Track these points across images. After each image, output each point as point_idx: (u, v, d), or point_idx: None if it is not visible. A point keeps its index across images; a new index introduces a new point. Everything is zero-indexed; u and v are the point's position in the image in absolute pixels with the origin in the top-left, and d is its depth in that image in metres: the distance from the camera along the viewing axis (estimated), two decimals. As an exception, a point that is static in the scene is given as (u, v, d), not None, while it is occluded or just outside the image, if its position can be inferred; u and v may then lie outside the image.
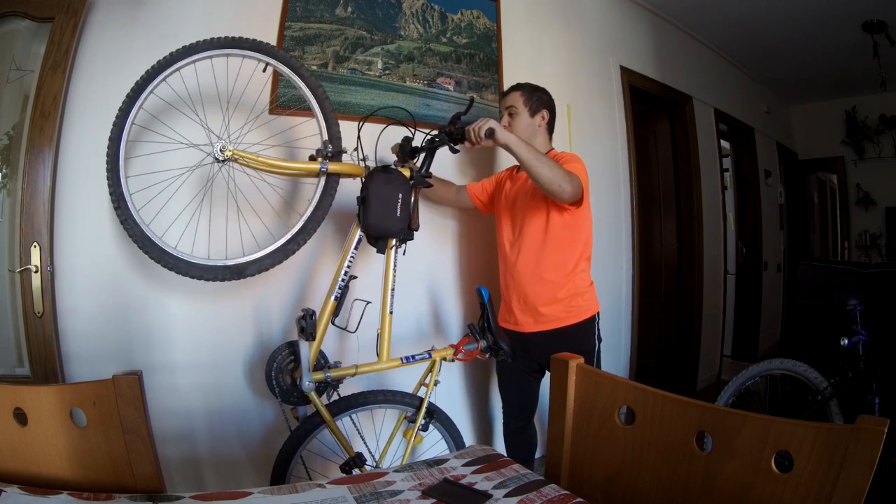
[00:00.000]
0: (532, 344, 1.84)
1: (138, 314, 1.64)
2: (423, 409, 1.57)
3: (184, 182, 1.50)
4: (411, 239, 1.58)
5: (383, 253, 1.57)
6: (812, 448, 0.68)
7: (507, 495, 0.78)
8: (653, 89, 3.33)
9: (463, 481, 0.83)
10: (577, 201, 1.66)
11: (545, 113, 1.89)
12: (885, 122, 4.95)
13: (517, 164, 1.78)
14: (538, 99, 1.88)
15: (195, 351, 1.70)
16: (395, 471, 0.87)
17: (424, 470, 0.88)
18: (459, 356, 1.65)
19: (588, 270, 1.86)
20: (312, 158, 1.50)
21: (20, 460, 0.83)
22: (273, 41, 1.85)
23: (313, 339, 1.42)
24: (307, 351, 1.43)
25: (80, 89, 1.61)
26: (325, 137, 1.48)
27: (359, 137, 1.52)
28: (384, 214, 1.48)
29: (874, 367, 2.00)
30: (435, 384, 1.61)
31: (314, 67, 1.92)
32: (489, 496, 0.78)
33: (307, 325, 1.40)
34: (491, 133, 1.48)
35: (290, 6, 1.89)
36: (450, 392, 2.18)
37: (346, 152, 1.51)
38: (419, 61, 2.20)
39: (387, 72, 2.10)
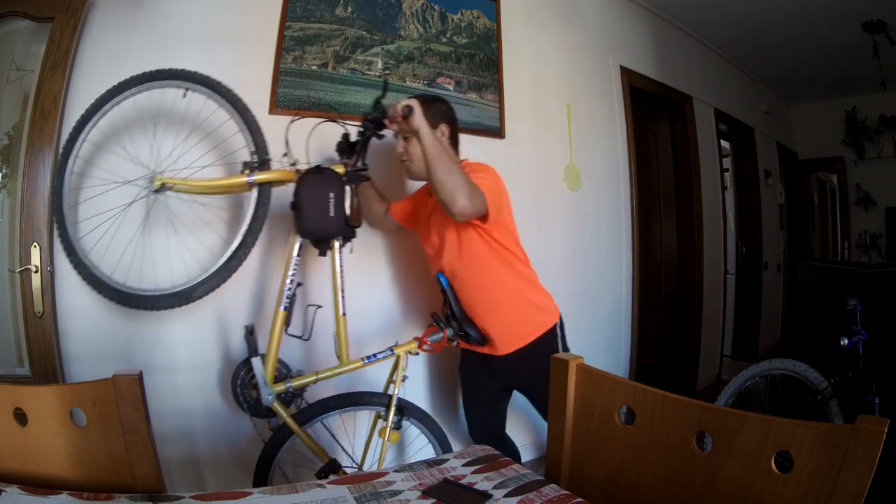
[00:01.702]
0: (493, 367, 1.76)
1: (138, 314, 1.64)
2: (393, 407, 1.54)
3: (124, 218, 1.52)
4: (353, 236, 1.54)
5: (325, 255, 1.54)
6: (812, 448, 0.68)
7: (507, 495, 0.78)
8: (653, 89, 3.34)
9: (463, 481, 0.83)
10: (480, 218, 1.49)
11: (444, 127, 1.64)
12: (885, 122, 4.95)
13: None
14: (434, 112, 1.60)
15: (195, 351, 1.70)
16: (395, 471, 0.87)
17: (424, 470, 0.88)
18: (425, 348, 1.62)
19: (532, 279, 1.71)
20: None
21: (20, 460, 0.83)
22: (273, 41, 1.85)
23: (257, 354, 1.42)
24: (259, 366, 1.44)
25: (80, 89, 1.61)
26: (252, 148, 1.47)
27: (286, 141, 1.47)
28: (317, 216, 1.45)
29: (874, 367, 2.00)
30: (403, 380, 1.58)
31: (314, 67, 1.93)
32: (489, 496, 0.78)
33: (249, 342, 1.42)
34: (409, 111, 1.39)
35: (290, 6, 1.89)
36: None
37: (271, 160, 1.47)
38: (419, 61, 2.20)
39: (387, 72, 2.10)
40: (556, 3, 2.75)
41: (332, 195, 1.45)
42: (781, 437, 0.70)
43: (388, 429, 1.54)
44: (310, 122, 1.59)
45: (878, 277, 2.31)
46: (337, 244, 1.53)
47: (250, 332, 1.43)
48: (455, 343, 1.68)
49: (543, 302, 1.71)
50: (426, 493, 0.78)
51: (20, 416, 0.83)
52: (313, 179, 1.46)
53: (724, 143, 4.27)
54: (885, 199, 5.12)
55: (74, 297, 1.59)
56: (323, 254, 1.54)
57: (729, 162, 4.46)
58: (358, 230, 1.57)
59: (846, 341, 2.06)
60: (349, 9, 2.04)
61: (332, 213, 1.45)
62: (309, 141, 1.52)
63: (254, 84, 1.81)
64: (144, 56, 1.68)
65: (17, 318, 1.61)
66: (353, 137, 1.57)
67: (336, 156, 1.62)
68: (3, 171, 1.71)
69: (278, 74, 1.84)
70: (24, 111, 1.65)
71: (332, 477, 1.44)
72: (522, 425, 2.33)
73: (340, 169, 1.52)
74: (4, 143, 1.71)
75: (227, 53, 1.77)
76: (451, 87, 2.27)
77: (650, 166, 3.72)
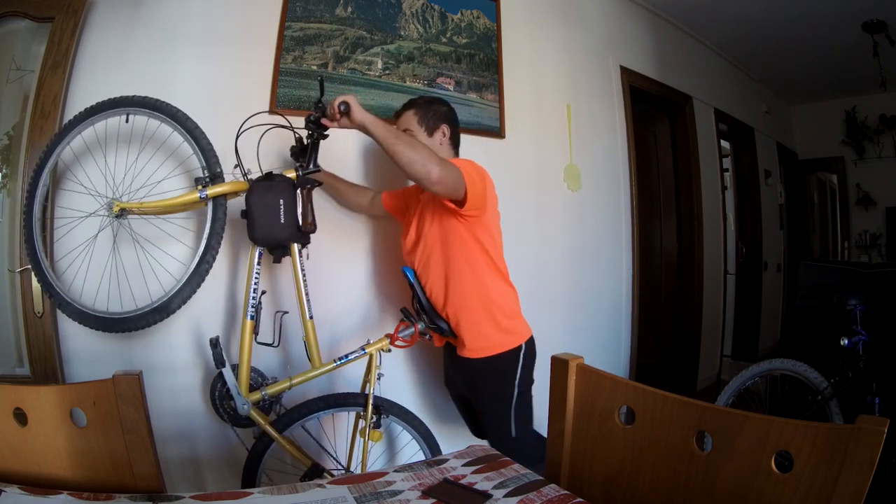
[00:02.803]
0: (450, 384, 1.77)
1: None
2: (370, 406, 1.53)
3: (94, 248, 1.54)
4: (307, 242, 1.54)
5: (279, 262, 1.55)
6: (812, 448, 0.68)
7: (507, 495, 0.78)
8: (653, 89, 3.34)
9: (463, 481, 0.83)
10: (460, 197, 1.45)
11: (445, 128, 1.66)
12: (885, 122, 4.95)
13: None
14: (434, 114, 1.66)
15: (195, 351, 1.70)
16: (395, 471, 0.87)
17: (424, 470, 0.88)
18: (398, 343, 1.60)
19: (504, 294, 1.66)
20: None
21: (20, 460, 0.83)
22: (273, 41, 1.85)
23: (223, 366, 1.43)
24: (231, 376, 1.44)
25: (80, 89, 1.61)
26: (202, 163, 1.45)
27: (236, 150, 1.44)
28: (267, 223, 1.44)
29: (874, 367, 2.01)
30: (378, 378, 1.56)
31: (314, 67, 1.93)
32: (489, 496, 0.78)
33: (214, 354, 1.42)
34: (346, 108, 1.34)
35: (290, 6, 1.89)
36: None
37: (221, 172, 1.46)
38: (419, 61, 2.20)
39: (387, 72, 2.11)
40: (556, 3, 2.75)
41: (281, 201, 1.45)
42: (781, 437, 0.70)
43: (368, 428, 1.52)
44: (263, 129, 1.54)
45: (878, 277, 2.31)
46: (296, 248, 1.52)
47: (214, 345, 1.43)
48: (428, 336, 1.66)
49: (510, 321, 1.65)
50: (426, 493, 0.78)
51: (20, 416, 0.83)
52: (262, 186, 1.45)
53: (724, 143, 4.27)
54: (885, 199, 5.12)
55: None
56: (278, 261, 1.54)
57: (729, 162, 4.46)
58: (314, 234, 1.55)
59: (846, 341, 2.06)
60: (349, 9, 2.04)
61: (282, 220, 1.45)
62: (259, 148, 1.49)
63: (254, 84, 1.81)
64: (144, 56, 1.68)
65: (17, 318, 1.61)
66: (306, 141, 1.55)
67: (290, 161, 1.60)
68: (3, 171, 1.71)
69: (278, 74, 1.84)
70: (24, 111, 1.65)
71: (334, 477, 1.44)
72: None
73: (292, 174, 1.50)
74: (4, 143, 1.71)
75: (227, 53, 1.77)
76: (451, 87, 2.27)
77: (650, 166, 3.72)
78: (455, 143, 1.72)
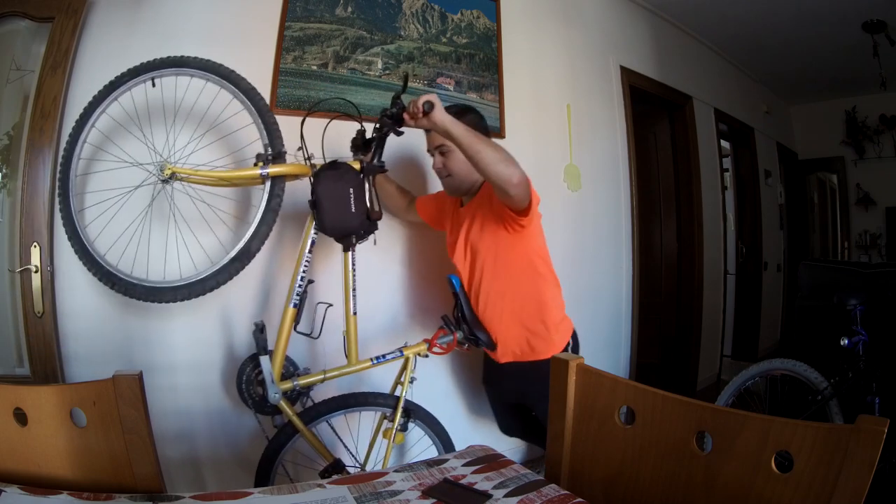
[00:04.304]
0: (490, 382, 1.79)
1: (138, 314, 1.64)
2: (400, 409, 1.54)
3: (127, 205, 1.50)
4: (376, 229, 1.51)
5: (349, 251, 1.52)
6: (812, 448, 0.68)
7: (507, 495, 0.78)
8: (653, 89, 3.34)
9: (463, 481, 0.83)
10: (526, 205, 1.47)
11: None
12: (885, 122, 4.95)
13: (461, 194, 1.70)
14: (468, 123, 1.57)
15: (196, 350, 1.70)
16: (395, 471, 0.87)
17: (424, 470, 0.88)
18: (435, 350, 1.61)
19: (557, 294, 1.73)
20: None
21: (20, 460, 0.83)
22: (273, 41, 1.85)
23: (266, 353, 1.41)
24: (267, 364, 1.42)
25: (80, 89, 1.61)
26: (265, 140, 1.43)
27: (302, 135, 1.43)
28: (339, 213, 1.42)
29: (874, 367, 2.01)
30: (411, 381, 1.57)
31: (314, 67, 1.93)
32: (489, 496, 0.78)
33: (258, 339, 1.40)
34: (430, 107, 1.31)
35: (290, 6, 1.89)
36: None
37: (286, 152, 1.45)
38: (419, 61, 2.20)
39: (387, 72, 2.11)
40: (556, 4, 2.75)
41: (351, 190, 1.42)
42: (781, 437, 0.70)
43: (395, 430, 1.53)
44: (323, 119, 1.56)
45: (878, 277, 2.31)
46: (354, 241, 1.50)
47: (260, 330, 1.41)
48: (465, 346, 1.68)
49: (558, 326, 1.69)
50: (426, 493, 0.78)
51: (20, 416, 0.83)
52: (331, 175, 1.42)
53: (724, 143, 4.27)
54: (885, 199, 5.12)
55: (74, 297, 1.59)
56: (347, 249, 1.50)
57: (729, 162, 4.46)
58: (373, 227, 1.54)
59: (846, 341, 2.06)
60: (349, 9, 2.04)
61: (352, 209, 1.42)
62: (324, 137, 1.49)
63: (254, 84, 1.80)
64: (144, 56, 1.67)
65: (17, 318, 1.61)
66: (369, 134, 1.54)
67: (349, 154, 1.60)
68: (3, 171, 1.71)
69: (278, 74, 1.84)
70: (24, 111, 1.65)
71: (335, 477, 1.44)
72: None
73: (356, 164, 1.49)
74: (4, 143, 1.71)
75: (227, 53, 1.75)
76: (451, 87, 2.27)
77: (650, 166, 3.72)
78: None
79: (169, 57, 1.47)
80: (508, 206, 1.48)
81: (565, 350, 1.70)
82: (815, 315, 2.51)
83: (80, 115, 1.48)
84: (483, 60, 2.38)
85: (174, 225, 1.56)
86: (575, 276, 2.70)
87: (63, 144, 1.51)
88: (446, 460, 0.92)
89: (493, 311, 1.67)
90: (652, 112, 3.70)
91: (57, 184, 1.47)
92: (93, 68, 1.63)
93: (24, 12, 1.63)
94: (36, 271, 1.55)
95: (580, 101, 2.79)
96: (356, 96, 2.00)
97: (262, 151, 1.42)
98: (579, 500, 0.76)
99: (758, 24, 3.59)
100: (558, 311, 1.72)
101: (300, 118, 1.49)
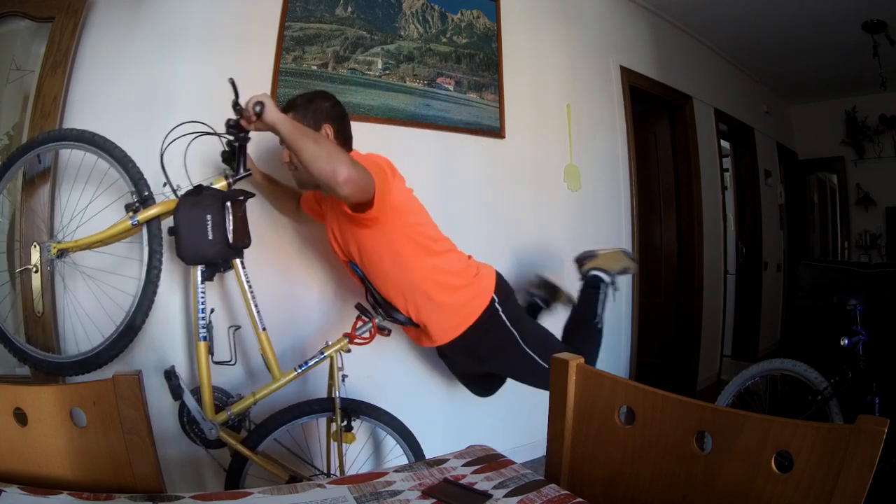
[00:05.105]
0: (445, 356, 1.72)
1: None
2: (338, 409, 1.49)
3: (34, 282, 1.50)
4: (240, 256, 1.46)
5: (212, 279, 1.47)
6: (812, 448, 0.68)
7: (507, 495, 0.78)
8: (653, 89, 3.34)
9: (463, 481, 0.83)
10: (369, 198, 1.34)
11: (328, 128, 1.49)
12: (885, 122, 4.95)
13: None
14: (315, 112, 1.50)
15: (195, 350, 1.69)
16: (395, 471, 0.87)
17: (424, 470, 0.88)
18: (357, 342, 1.55)
19: (451, 258, 1.59)
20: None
21: (20, 460, 0.83)
22: (273, 41, 1.85)
23: (180, 397, 1.39)
24: (192, 402, 1.40)
25: (80, 89, 1.61)
26: (130, 188, 1.40)
27: (163, 168, 1.38)
28: (195, 241, 1.36)
29: (874, 367, 2.00)
30: (342, 380, 1.51)
31: (314, 68, 1.93)
32: (489, 496, 0.78)
33: (170, 386, 1.38)
34: (261, 108, 1.23)
35: (290, 6, 1.89)
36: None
37: (149, 195, 1.41)
38: (419, 61, 2.20)
39: (387, 72, 2.11)
40: (556, 4, 2.75)
41: (209, 217, 1.36)
42: (781, 437, 0.70)
43: (340, 431, 1.48)
44: (189, 140, 1.46)
45: (878, 277, 2.31)
46: (238, 262, 1.46)
47: (168, 378, 1.39)
48: (387, 332, 1.61)
49: (468, 287, 1.59)
50: (426, 493, 0.78)
51: (20, 416, 0.83)
52: (189, 201, 1.37)
53: (724, 143, 4.27)
54: (885, 199, 5.12)
55: (74, 297, 1.59)
56: (209, 278, 1.45)
57: (729, 162, 4.46)
58: (247, 248, 1.49)
59: (846, 341, 2.06)
60: (349, 9, 2.04)
61: (210, 236, 1.37)
62: (185, 161, 1.42)
63: (254, 84, 1.80)
64: (144, 56, 1.68)
65: (18, 318, 1.61)
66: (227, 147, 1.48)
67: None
68: (3, 171, 1.71)
69: (278, 74, 1.84)
70: (24, 111, 1.65)
71: (334, 477, 1.43)
72: (521, 425, 2.33)
73: (222, 184, 1.43)
74: (4, 143, 1.71)
75: (227, 53, 1.77)
76: (451, 87, 2.27)
77: (650, 166, 3.72)
78: (344, 139, 1.56)
79: (49, 132, 1.46)
80: (345, 203, 1.37)
81: (493, 302, 1.59)
82: (815, 315, 2.51)
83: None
84: (483, 60, 2.38)
85: (71, 299, 1.57)
86: (575, 275, 2.70)
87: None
88: (446, 460, 0.92)
89: (396, 300, 1.57)
90: (652, 112, 3.70)
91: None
92: (93, 68, 1.64)
93: (24, 12, 1.63)
94: (36, 271, 1.55)
95: (580, 101, 2.79)
96: (356, 96, 2.00)
97: (130, 200, 1.40)
98: (579, 500, 0.76)
99: (758, 24, 3.59)
100: (460, 277, 1.59)
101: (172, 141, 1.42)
